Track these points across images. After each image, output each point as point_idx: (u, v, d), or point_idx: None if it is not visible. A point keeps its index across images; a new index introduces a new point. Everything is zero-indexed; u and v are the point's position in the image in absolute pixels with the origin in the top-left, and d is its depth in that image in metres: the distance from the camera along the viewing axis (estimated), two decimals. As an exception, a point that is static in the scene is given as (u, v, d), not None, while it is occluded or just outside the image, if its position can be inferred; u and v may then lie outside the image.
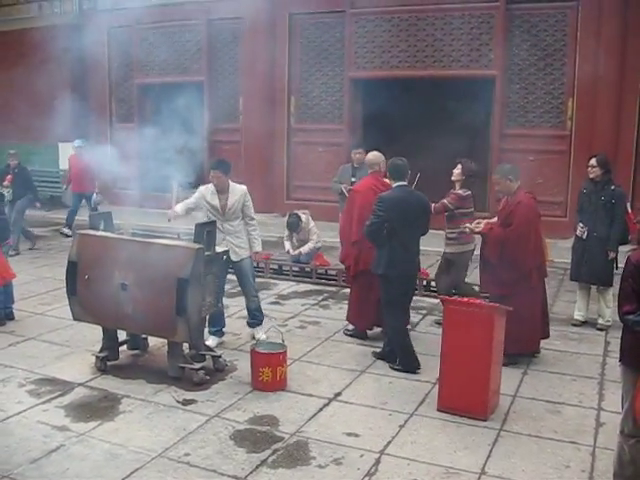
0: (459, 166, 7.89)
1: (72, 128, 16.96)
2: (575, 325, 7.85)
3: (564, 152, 12.54)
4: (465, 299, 5.75)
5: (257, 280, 7.81)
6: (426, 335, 7.54)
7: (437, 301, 8.72)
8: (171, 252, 5.79)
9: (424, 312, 8.38)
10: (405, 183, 6.57)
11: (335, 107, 14.23)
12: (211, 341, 6.89)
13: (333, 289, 9.36)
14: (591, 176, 7.67)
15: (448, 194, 7.83)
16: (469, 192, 7.80)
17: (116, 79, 16.74)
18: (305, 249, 10.00)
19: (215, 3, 14.95)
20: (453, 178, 7.89)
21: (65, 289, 6.51)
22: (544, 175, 12.52)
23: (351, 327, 7.50)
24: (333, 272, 9.68)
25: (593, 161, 7.68)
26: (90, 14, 16.90)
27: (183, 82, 14.64)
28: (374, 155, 7.42)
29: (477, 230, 6.65)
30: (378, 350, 6.85)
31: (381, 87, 13.53)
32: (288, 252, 10.13)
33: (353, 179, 9.47)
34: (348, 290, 9.17)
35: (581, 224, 7.70)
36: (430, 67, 13.24)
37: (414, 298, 8.74)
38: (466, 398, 5.43)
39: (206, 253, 5.80)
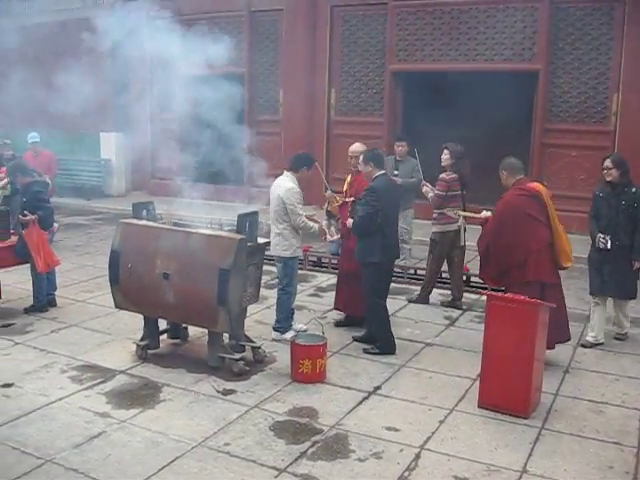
0: (446, 151, 8.21)
1: (113, 118, 17.20)
2: (584, 347, 6.97)
3: (607, 148, 12.27)
4: (509, 295, 5.66)
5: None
6: (465, 331, 7.49)
7: (477, 297, 8.69)
8: (213, 242, 5.81)
9: (464, 308, 8.29)
10: (385, 172, 6.79)
11: (375, 100, 14.15)
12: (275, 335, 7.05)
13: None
14: (608, 179, 6.91)
15: (437, 183, 8.21)
16: (453, 175, 8.12)
17: (157, 69, 16.81)
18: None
19: (257, -5, 15.00)
20: (443, 163, 8.25)
21: (107, 277, 6.59)
22: (586, 171, 12.30)
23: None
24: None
25: (608, 162, 6.92)
26: (132, 5, 17.02)
27: (224, 74, 14.65)
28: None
29: (477, 218, 6.78)
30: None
31: (422, 80, 13.44)
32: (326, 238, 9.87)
33: (396, 172, 9.43)
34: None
35: (601, 234, 6.87)
36: (472, 60, 13.08)
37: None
38: (508, 395, 5.37)
39: (248, 244, 5.80)
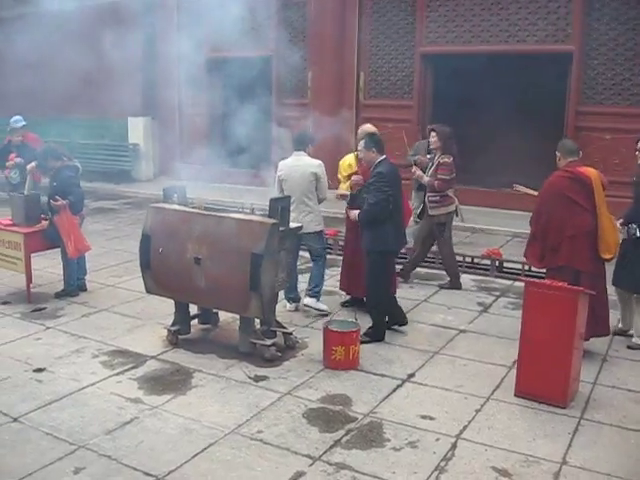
0: (433, 133, 8.21)
1: (141, 102, 17.19)
2: (631, 348, 6.49)
3: (644, 131, 12.04)
4: (547, 281, 5.52)
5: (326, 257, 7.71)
6: (499, 317, 7.36)
7: (510, 282, 8.57)
8: (245, 227, 5.73)
9: (497, 294, 8.16)
10: (385, 156, 6.53)
11: (405, 83, 13.94)
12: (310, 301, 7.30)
13: (401, 267, 9.18)
14: None
15: (438, 168, 8.16)
16: (451, 158, 8.13)
17: (185, 53, 16.75)
18: None
19: (285, -24, 14.84)
20: (432, 146, 8.32)
21: (137, 262, 6.55)
22: (621, 155, 12.01)
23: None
24: (403, 250, 9.50)
25: None
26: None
27: (252, 56, 14.57)
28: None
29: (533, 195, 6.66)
30: None
31: (452, 62, 13.21)
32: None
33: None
34: (418, 269, 9.08)
35: (633, 224, 6.32)
36: (504, 42, 12.81)
37: (486, 279, 8.67)
38: (545, 384, 5.25)
39: (280, 228, 5.72)
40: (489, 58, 12.98)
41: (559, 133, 12.26)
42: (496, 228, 11.61)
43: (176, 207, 6.29)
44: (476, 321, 7.21)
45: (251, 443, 4.64)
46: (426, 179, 8.35)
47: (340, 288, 7.66)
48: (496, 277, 8.81)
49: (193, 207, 6.45)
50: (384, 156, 6.46)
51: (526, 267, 8.60)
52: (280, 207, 5.76)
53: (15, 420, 4.96)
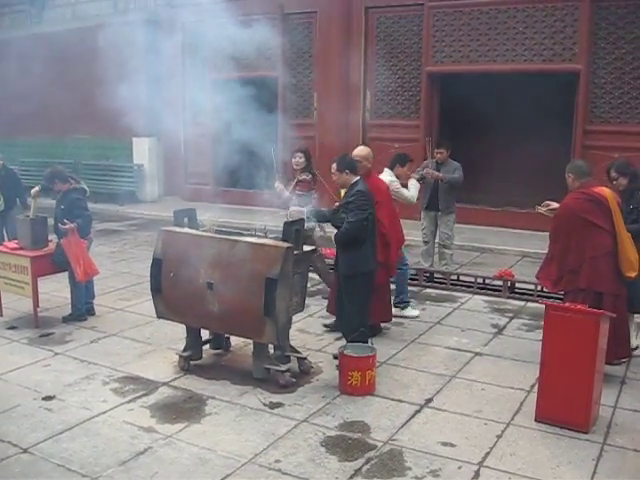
0: (299, 154, 8.38)
1: (146, 123, 17.15)
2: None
3: (651, 150, 11.97)
4: (568, 304, 5.42)
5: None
6: (514, 339, 7.24)
7: (523, 303, 8.46)
8: (259, 251, 5.63)
9: (510, 315, 8.05)
10: (360, 177, 6.41)
11: (412, 102, 13.91)
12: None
13: (414, 289, 9.08)
14: (620, 189, 6.53)
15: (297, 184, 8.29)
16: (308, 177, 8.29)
17: (190, 75, 16.76)
18: None
19: (290, -3, 14.86)
20: (295, 167, 8.43)
21: (145, 285, 6.45)
22: (629, 173, 11.97)
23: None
24: (413, 271, 9.42)
25: (613, 172, 6.60)
26: (165, 9, 16.99)
27: (257, 77, 14.56)
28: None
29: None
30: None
31: (459, 82, 13.20)
32: None
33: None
34: (430, 290, 9.00)
35: None
36: (511, 61, 12.79)
37: (499, 300, 8.57)
38: (567, 409, 5.14)
39: (294, 252, 5.62)
40: (496, 77, 12.97)
41: (567, 152, 12.23)
42: (505, 248, 11.52)
43: (188, 230, 6.20)
44: (491, 343, 7.09)
45: (269, 473, 4.52)
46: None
47: (327, 310, 7.55)
48: (508, 298, 8.69)
49: (203, 229, 6.36)
50: (358, 177, 6.31)
51: (539, 288, 8.50)
52: (294, 230, 5.67)
53: (25, 451, 4.84)
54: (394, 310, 7.60)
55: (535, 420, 5.28)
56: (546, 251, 6.41)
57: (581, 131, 12.34)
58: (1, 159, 10.04)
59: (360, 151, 7.16)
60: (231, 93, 12.72)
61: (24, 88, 18.56)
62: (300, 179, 8.30)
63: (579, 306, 5.26)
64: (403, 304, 7.98)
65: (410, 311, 7.96)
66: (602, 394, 5.43)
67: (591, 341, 5.06)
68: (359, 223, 5.96)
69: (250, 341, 6.21)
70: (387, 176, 7.83)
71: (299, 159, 8.37)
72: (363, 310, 6.20)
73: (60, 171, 7.81)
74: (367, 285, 6.16)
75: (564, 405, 5.15)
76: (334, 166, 6.35)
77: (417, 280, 9.28)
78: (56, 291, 8.54)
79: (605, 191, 6.02)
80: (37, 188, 8.07)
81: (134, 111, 16.87)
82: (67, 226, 7.36)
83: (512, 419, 5.34)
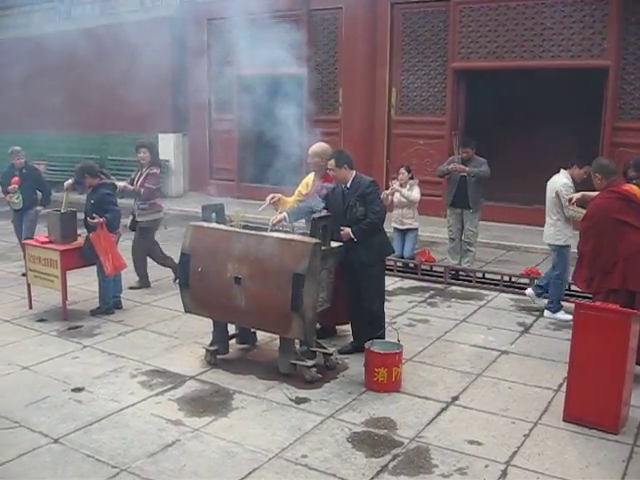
0: (143, 149, 8.79)
1: (172, 120, 17.27)
2: None
3: (681, 147, 11.82)
4: (599, 304, 5.37)
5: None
6: (541, 338, 7.18)
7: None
8: (287, 246, 5.64)
9: (537, 314, 7.99)
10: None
11: (437, 99, 13.85)
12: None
13: (439, 286, 9.08)
14: None
15: (147, 178, 8.74)
16: (159, 170, 9.00)
17: (215, 71, 16.81)
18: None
19: (315, -7, 14.87)
20: (142, 162, 8.82)
21: (170, 279, 6.47)
22: (659, 171, 11.83)
23: None
24: (440, 269, 9.40)
25: (631, 171, 6.49)
26: (190, 6, 17.06)
27: (283, 73, 14.57)
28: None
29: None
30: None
31: (486, 78, 13.14)
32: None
33: (463, 174, 9.22)
34: (455, 288, 8.97)
35: None
36: (538, 57, 12.69)
37: (525, 298, 8.51)
38: (596, 409, 5.09)
39: (322, 248, 5.63)
40: (523, 73, 12.88)
41: (595, 149, 12.11)
42: (531, 246, 11.44)
43: (216, 226, 6.22)
44: (518, 342, 7.05)
45: (296, 468, 4.53)
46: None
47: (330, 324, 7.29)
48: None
49: (231, 225, 6.38)
50: (355, 171, 6.44)
51: (565, 287, 8.44)
52: (322, 226, 5.67)
53: (56, 441, 4.90)
54: (546, 313, 7.85)
55: (563, 420, 5.24)
56: (572, 250, 6.36)
57: (610, 128, 12.23)
58: (23, 157, 9.81)
59: (317, 147, 7.02)
60: (256, 89, 12.76)
61: (52, 84, 18.77)
62: (151, 173, 8.71)
63: (610, 305, 5.22)
64: (554, 308, 7.84)
65: (562, 315, 7.74)
66: (632, 395, 5.39)
67: (622, 341, 5.01)
68: (383, 211, 6.37)
69: (276, 336, 6.24)
70: (563, 177, 7.70)
71: (144, 154, 8.71)
72: (380, 301, 6.53)
73: (90, 166, 7.88)
74: (382, 271, 6.57)
75: (593, 405, 5.11)
76: (332, 162, 6.40)
77: (443, 277, 9.25)
78: (84, 284, 8.63)
79: (634, 189, 5.98)
80: (70, 181, 8.15)
81: (160, 107, 17.06)
82: (96, 220, 7.43)
83: (539, 418, 5.31)
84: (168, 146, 17.34)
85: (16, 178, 9.69)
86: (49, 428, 5.08)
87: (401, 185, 9.76)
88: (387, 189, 10.05)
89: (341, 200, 6.32)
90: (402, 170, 9.89)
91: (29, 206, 9.75)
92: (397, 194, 9.68)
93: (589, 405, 5.12)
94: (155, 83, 16.79)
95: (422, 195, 10.01)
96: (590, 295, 6.39)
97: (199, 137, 17.25)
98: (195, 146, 17.41)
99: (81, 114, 18.29)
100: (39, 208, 9.81)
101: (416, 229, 9.93)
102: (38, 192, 9.90)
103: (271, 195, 7.02)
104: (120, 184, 8.54)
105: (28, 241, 8.16)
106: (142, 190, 8.68)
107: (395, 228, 9.88)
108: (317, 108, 15.22)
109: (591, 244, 5.93)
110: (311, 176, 7.18)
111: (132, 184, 8.81)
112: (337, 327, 7.12)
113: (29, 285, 8.01)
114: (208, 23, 16.58)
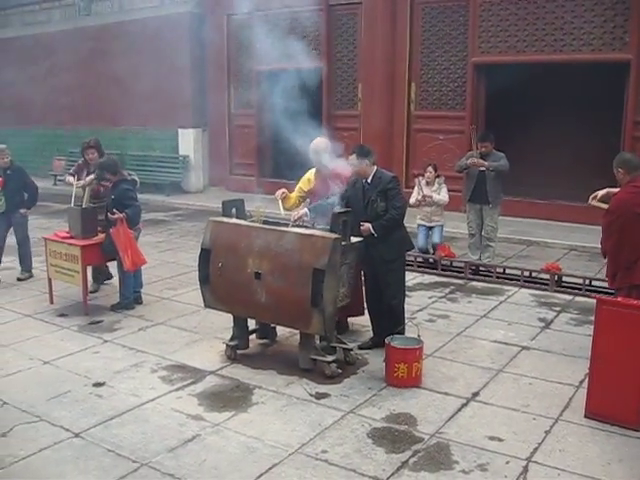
0: (90, 150, 8.51)
1: (191, 114, 17.32)
2: None
3: None
4: (621, 299, 5.32)
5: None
6: (562, 334, 7.13)
7: (571, 297, 8.34)
8: (307, 241, 5.64)
9: (558, 309, 7.93)
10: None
11: (457, 93, 13.76)
12: None
13: (460, 281, 9.04)
14: None
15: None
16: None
17: (235, 66, 16.84)
18: None
19: (335, -12, 14.83)
20: (90, 162, 8.48)
21: (191, 274, 6.48)
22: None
23: None
24: (460, 264, 9.36)
25: None
26: (209, 1, 17.08)
27: (302, 68, 14.55)
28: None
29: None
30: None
31: (506, 72, 13.01)
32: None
33: (482, 169, 9.18)
34: (475, 283, 8.93)
35: None
36: (558, 51, 12.56)
37: (546, 294, 8.46)
38: (618, 406, 5.04)
39: (342, 243, 5.62)
40: (543, 67, 12.78)
41: (616, 143, 12.00)
42: (552, 241, 11.36)
43: (236, 221, 6.23)
44: (538, 337, 7.00)
45: (316, 464, 4.53)
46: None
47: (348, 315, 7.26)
48: (555, 292, 8.56)
49: (251, 220, 6.39)
50: (376, 166, 6.42)
51: (587, 282, 8.39)
52: (342, 221, 5.66)
53: (77, 436, 4.93)
54: None
55: (584, 416, 5.19)
56: (594, 245, 6.31)
57: (631, 122, 12.07)
58: (9, 156, 8.94)
59: (319, 143, 6.88)
60: (275, 84, 12.77)
61: (73, 80, 18.91)
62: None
63: (632, 301, 5.17)
64: None
65: None
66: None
67: (644, 337, 4.97)
68: (404, 207, 6.34)
69: (296, 331, 6.24)
70: None
71: (91, 155, 8.47)
72: (402, 295, 6.52)
73: (111, 162, 7.91)
74: (403, 265, 6.60)
75: (615, 402, 5.06)
76: (353, 156, 6.36)
77: (463, 273, 9.22)
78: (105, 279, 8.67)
79: None
80: (91, 177, 8.17)
81: (180, 103, 17.11)
82: (116, 216, 7.46)
83: (561, 415, 5.27)
84: (188, 141, 17.42)
85: (0, 179, 8.90)
86: (70, 422, 5.12)
87: (427, 183, 9.72)
88: (411, 188, 10.01)
89: (361, 195, 6.29)
90: (429, 169, 9.82)
91: (13, 209, 9.04)
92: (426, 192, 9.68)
93: (611, 401, 5.07)
94: (175, 78, 16.88)
95: (443, 190, 9.98)
96: (613, 291, 6.36)
97: (219, 132, 17.28)
98: (214, 141, 17.45)
99: (101, 109, 18.42)
100: (23, 211, 9.16)
101: (442, 225, 9.93)
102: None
103: (281, 191, 6.96)
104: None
105: (49, 236, 8.20)
106: (101, 189, 8.23)
107: (420, 224, 9.88)
108: (336, 103, 15.22)
109: (614, 239, 5.88)
110: (312, 171, 7.11)
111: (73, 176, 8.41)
112: (349, 320, 7.10)
113: (50, 280, 8.07)
114: (227, 18, 16.60)
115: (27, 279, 9.23)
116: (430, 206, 9.72)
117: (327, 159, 6.75)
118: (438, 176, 9.81)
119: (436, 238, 9.84)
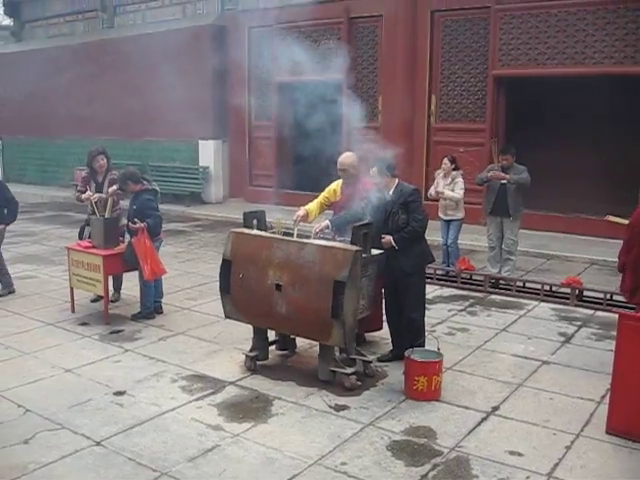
0: (100, 156, 8.47)
1: (212, 126, 17.42)
2: None
3: None
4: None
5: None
6: (583, 348, 7.09)
7: (591, 312, 8.29)
8: (328, 253, 5.65)
9: (579, 324, 7.88)
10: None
11: (477, 106, 13.76)
12: None
13: (479, 295, 9.02)
14: None
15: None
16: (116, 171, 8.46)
17: (255, 78, 16.93)
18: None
19: (355, 1, 14.89)
20: (99, 170, 8.54)
21: (211, 285, 6.51)
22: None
23: None
24: (480, 277, 9.33)
25: None
26: (231, 15, 17.22)
27: (322, 81, 14.61)
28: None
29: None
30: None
31: (527, 85, 13.04)
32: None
33: (503, 182, 9.16)
34: (495, 297, 8.90)
35: None
36: (580, 64, 12.53)
37: (566, 308, 8.41)
38: (640, 422, 5.02)
39: (363, 255, 5.63)
40: (564, 80, 12.74)
41: (637, 157, 11.94)
42: (572, 255, 11.30)
43: (257, 232, 6.26)
44: (559, 352, 6.97)
45: (335, 476, 4.53)
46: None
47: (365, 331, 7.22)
48: (576, 306, 8.52)
49: (272, 231, 6.42)
50: (397, 179, 6.46)
51: (608, 296, 8.33)
52: (362, 233, 5.68)
53: (98, 444, 4.97)
54: None
55: (606, 432, 5.15)
56: (615, 259, 6.27)
57: (654, 136, 12.05)
58: None
59: (347, 158, 6.87)
60: (295, 97, 12.82)
61: (95, 91, 19.09)
62: (111, 177, 8.46)
63: (653, 316, 5.14)
64: None
65: None
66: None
67: (667, 353, 4.93)
68: (425, 220, 6.32)
69: (315, 343, 6.25)
70: None
71: (101, 161, 8.48)
72: (424, 309, 6.53)
73: (133, 172, 7.97)
74: (424, 278, 6.58)
75: (637, 418, 5.02)
76: (375, 169, 6.39)
77: (482, 286, 9.19)
78: (125, 289, 8.74)
79: None
80: (114, 187, 8.23)
81: (200, 114, 17.20)
82: (137, 225, 7.52)
83: (582, 430, 5.24)
84: (208, 152, 17.52)
85: None
86: (91, 430, 5.15)
87: (444, 175, 9.73)
88: (431, 201, 10.05)
89: (383, 208, 6.31)
90: (445, 160, 9.84)
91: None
92: (440, 186, 9.73)
93: (633, 417, 5.03)
94: (196, 90, 17.00)
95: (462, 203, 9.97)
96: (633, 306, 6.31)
97: (239, 144, 17.37)
98: (235, 153, 17.53)
99: (123, 121, 18.57)
100: (2, 227, 8.90)
101: (459, 219, 9.91)
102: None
103: (296, 215, 6.74)
104: (93, 195, 8.31)
105: (72, 245, 8.27)
106: (117, 197, 8.37)
107: (440, 217, 9.95)
108: (356, 115, 15.23)
109: (634, 253, 5.84)
110: (339, 183, 7.11)
111: (83, 193, 8.53)
112: (366, 335, 7.08)
113: (72, 289, 8.14)
114: (249, 31, 16.71)
115: (5, 295, 8.90)
116: (445, 199, 9.77)
117: (354, 173, 6.78)
118: (455, 169, 9.81)
119: (451, 236, 9.89)
